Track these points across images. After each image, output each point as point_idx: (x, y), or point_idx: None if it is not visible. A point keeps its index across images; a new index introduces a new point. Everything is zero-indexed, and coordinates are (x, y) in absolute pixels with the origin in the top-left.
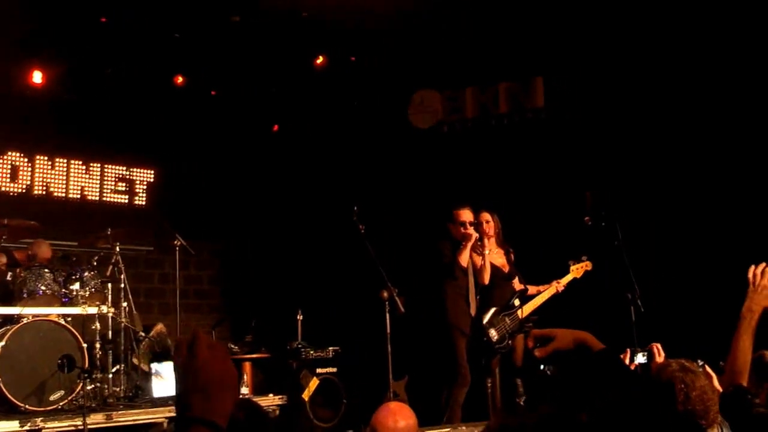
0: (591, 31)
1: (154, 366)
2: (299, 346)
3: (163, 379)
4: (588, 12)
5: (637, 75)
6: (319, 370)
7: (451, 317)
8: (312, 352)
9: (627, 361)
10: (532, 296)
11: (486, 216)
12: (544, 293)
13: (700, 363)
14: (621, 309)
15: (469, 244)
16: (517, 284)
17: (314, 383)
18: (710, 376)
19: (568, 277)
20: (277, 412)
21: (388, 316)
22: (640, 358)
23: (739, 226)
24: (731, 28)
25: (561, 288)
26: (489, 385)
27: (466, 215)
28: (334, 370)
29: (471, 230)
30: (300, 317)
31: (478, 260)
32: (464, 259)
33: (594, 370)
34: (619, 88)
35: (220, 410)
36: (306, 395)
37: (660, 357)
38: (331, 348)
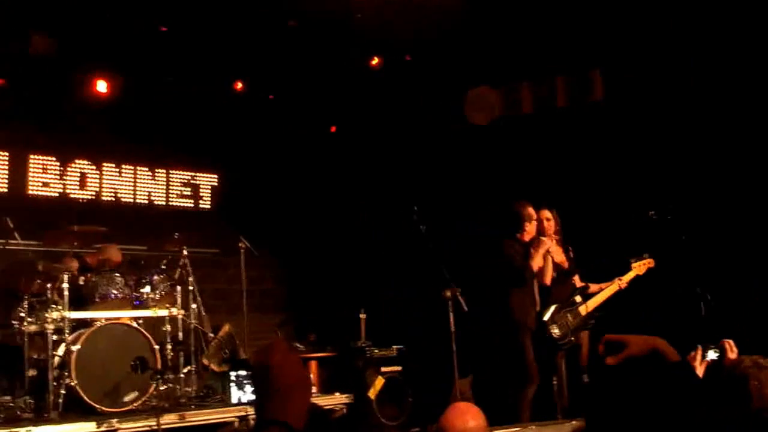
0: (651, 21)
1: (232, 373)
2: (363, 345)
3: (240, 385)
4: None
5: (700, 64)
6: (384, 369)
7: (517, 315)
8: (377, 350)
9: (698, 358)
10: (594, 293)
11: (546, 213)
12: (606, 290)
13: None
14: (691, 304)
15: (541, 251)
16: (577, 281)
17: (380, 382)
18: None
19: (630, 275)
20: (345, 410)
21: (451, 314)
22: (712, 355)
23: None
24: None
25: (623, 285)
26: (555, 383)
27: (529, 213)
28: (399, 368)
29: (545, 238)
30: (363, 316)
31: (541, 260)
32: (536, 264)
33: (666, 380)
34: (681, 78)
35: (294, 412)
36: (372, 394)
37: (732, 353)
38: (395, 347)
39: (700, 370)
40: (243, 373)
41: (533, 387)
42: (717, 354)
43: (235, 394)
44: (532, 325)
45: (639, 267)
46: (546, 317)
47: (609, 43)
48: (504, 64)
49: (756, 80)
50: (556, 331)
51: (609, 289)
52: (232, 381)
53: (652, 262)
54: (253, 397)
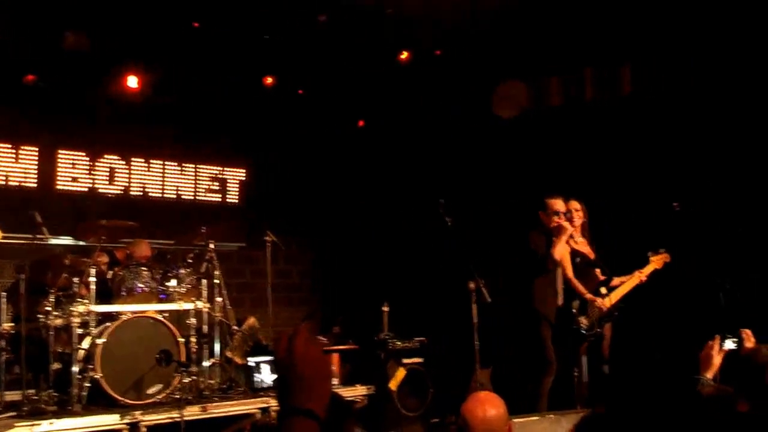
0: (681, 15)
1: (252, 359)
2: (386, 337)
3: (260, 373)
4: None
5: (728, 60)
6: (405, 361)
7: (537, 305)
8: (398, 342)
9: (716, 347)
10: (616, 286)
11: (575, 204)
12: (628, 283)
13: None
14: (710, 295)
15: (564, 237)
16: (599, 274)
17: (401, 373)
18: None
19: (650, 267)
20: (366, 401)
21: (474, 306)
22: (730, 344)
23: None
24: None
25: (644, 279)
26: (576, 373)
27: (559, 205)
28: (421, 360)
29: (565, 222)
30: (386, 309)
31: (563, 248)
32: (558, 252)
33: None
34: (709, 73)
35: (317, 400)
36: (393, 385)
37: (750, 342)
38: (417, 339)
39: (718, 359)
40: (263, 358)
41: (551, 377)
42: (735, 343)
43: (256, 378)
44: (552, 316)
45: (657, 261)
46: (575, 308)
47: (638, 38)
48: (533, 58)
49: None
50: (584, 321)
51: (630, 282)
52: (251, 365)
53: (668, 256)
54: (272, 381)
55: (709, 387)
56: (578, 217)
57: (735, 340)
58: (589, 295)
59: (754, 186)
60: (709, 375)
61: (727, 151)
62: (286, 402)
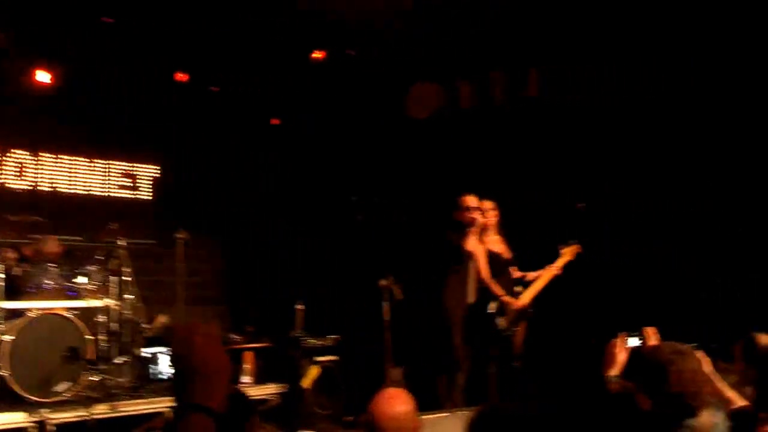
0: (586, 20)
1: (148, 350)
2: (299, 335)
3: (157, 364)
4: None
5: (635, 62)
6: (318, 359)
7: (448, 303)
8: (312, 341)
9: (620, 345)
10: (532, 281)
11: (489, 204)
12: (542, 278)
13: (694, 347)
14: (616, 293)
15: (476, 230)
16: (515, 272)
17: (314, 371)
18: (702, 360)
19: (562, 260)
20: (278, 400)
21: (386, 304)
22: (634, 341)
23: (728, 212)
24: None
25: (559, 271)
26: (490, 371)
27: (471, 201)
28: (334, 358)
29: (477, 215)
30: (300, 307)
31: (480, 249)
32: (470, 245)
33: None
34: (615, 75)
35: (215, 396)
36: (306, 383)
37: (653, 340)
38: (330, 337)
39: (622, 357)
40: (159, 349)
41: (463, 375)
42: (639, 341)
43: (152, 370)
44: (463, 314)
45: (568, 252)
46: (493, 309)
47: (545, 42)
48: (444, 61)
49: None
50: (502, 322)
51: (545, 276)
52: (146, 356)
53: (579, 247)
54: (169, 374)
55: (614, 384)
56: (492, 216)
57: (639, 337)
58: (505, 297)
59: (651, 181)
60: (614, 372)
61: (628, 150)
62: (183, 398)
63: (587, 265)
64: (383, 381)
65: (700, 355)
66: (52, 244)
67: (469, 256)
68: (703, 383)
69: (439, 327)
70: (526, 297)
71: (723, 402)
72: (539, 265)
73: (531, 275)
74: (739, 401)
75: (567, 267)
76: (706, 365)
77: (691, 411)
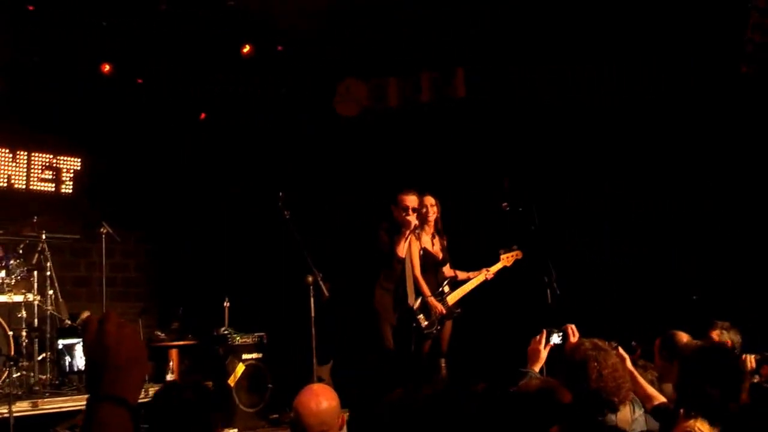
0: (510, 22)
1: (62, 342)
2: (225, 332)
3: (72, 357)
4: (507, 3)
5: (556, 64)
6: (245, 356)
7: (377, 304)
8: (238, 338)
9: (543, 342)
10: (462, 282)
11: (430, 200)
12: (473, 280)
13: (614, 344)
14: (538, 291)
15: (408, 233)
16: (447, 270)
17: (240, 369)
18: (622, 356)
19: (498, 266)
20: None
21: (312, 301)
22: (556, 339)
23: (653, 208)
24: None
25: (490, 276)
26: (417, 368)
27: (411, 201)
28: (260, 355)
29: (412, 218)
30: (227, 304)
31: (415, 247)
32: (402, 249)
33: None
34: (538, 78)
35: (131, 387)
36: (232, 381)
37: (574, 337)
38: (257, 334)
39: (543, 353)
40: (73, 341)
41: (391, 373)
42: (560, 338)
43: (67, 361)
44: (393, 313)
45: (507, 258)
46: (415, 306)
47: (472, 43)
48: (373, 58)
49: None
50: (423, 320)
51: (475, 280)
52: (60, 348)
53: (521, 254)
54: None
55: (536, 379)
56: (433, 212)
57: (560, 334)
58: (430, 298)
59: (579, 183)
60: (536, 368)
61: (555, 150)
62: (96, 388)
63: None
64: (309, 378)
65: (620, 352)
66: None
67: (401, 261)
68: (624, 380)
69: (368, 325)
70: (452, 299)
71: (643, 398)
72: (476, 266)
73: (462, 275)
74: (659, 398)
75: (501, 273)
76: (627, 362)
77: (611, 406)
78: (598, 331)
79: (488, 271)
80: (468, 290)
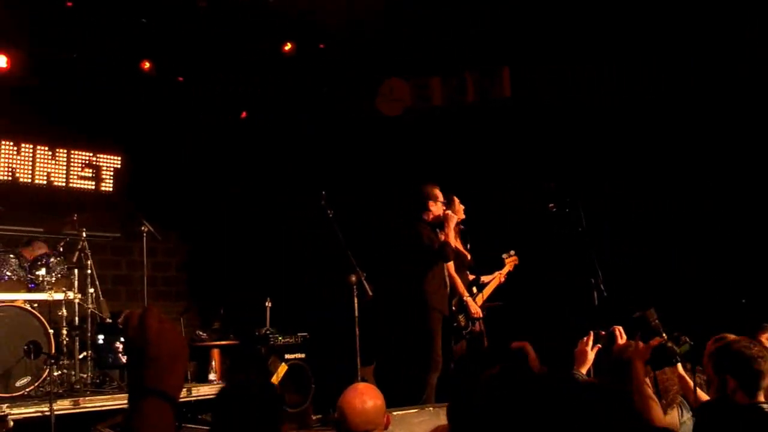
0: (559, 22)
1: (101, 337)
2: (267, 332)
3: (112, 352)
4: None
5: (604, 64)
6: (287, 356)
7: (431, 299)
8: (280, 338)
9: (590, 343)
10: (486, 284)
11: (457, 200)
12: (492, 283)
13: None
14: (585, 293)
15: (452, 225)
16: (469, 273)
17: (282, 369)
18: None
19: (505, 270)
20: None
21: (356, 300)
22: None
23: (696, 212)
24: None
25: (502, 279)
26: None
27: (442, 196)
28: (303, 355)
29: (449, 211)
30: (268, 304)
31: (452, 234)
32: (452, 241)
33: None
34: (586, 78)
35: (172, 381)
36: (275, 381)
37: (621, 340)
38: (299, 334)
39: (591, 355)
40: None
41: (437, 373)
42: (607, 339)
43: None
44: (445, 310)
45: (509, 263)
46: (454, 307)
47: (519, 42)
48: (416, 57)
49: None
50: (462, 319)
51: (493, 282)
52: (100, 344)
53: (516, 259)
54: (123, 359)
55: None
56: (459, 211)
57: (608, 336)
58: (468, 298)
59: (629, 186)
60: (583, 370)
61: (603, 152)
62: (138, 383)
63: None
64: (353, 378)
65: None
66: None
67: (453, 253)
68: (672, 382)
69: (418, 324)
70: (479, 300)
71: (692, 401)
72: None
73: (483, 278)
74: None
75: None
76: (677, 366)
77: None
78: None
79: (501, 274)
80: (488, 293)
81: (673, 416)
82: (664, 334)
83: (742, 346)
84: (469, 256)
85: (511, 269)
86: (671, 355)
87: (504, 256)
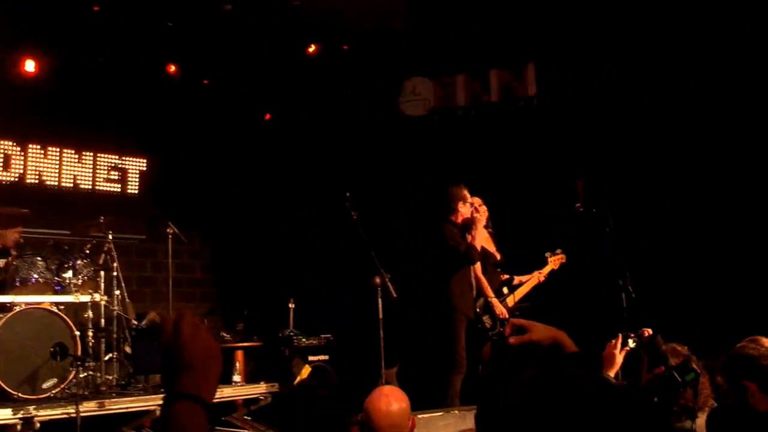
0: (584, 17)
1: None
2: (291, 333)
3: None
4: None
5: (631, 62)
6: (311, 358)
7: (456, 301)
8: (304, 339)
9: (619, 346)
10: (518, 286)
11: (478, 200)
12: (528, 283)
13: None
14: (612, 294)
15: (480, 226)
16: (501, 274)
17: (306, 370)
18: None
19: (548, 268)
20: (269, 399)
21: (380, 302)
22: (631, 343)
23: (727, 214)
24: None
25: (542, 279)
26: (481, 370)
27: (469, 197)
28: (326, 357)
29: (476, 213)
30: (292, 305)
31: (479, 236)
32: (479, 243)
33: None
34: (612, 75)
35: (206, 385)
36: (298, 382)
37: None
38: (323, 335)
39: (619, 358)
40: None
41: (461, 375)
42: (635, 342)
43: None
44: (470, 313)
45: (554, 261)
46: (479, 308)
47: (543, 39)
48: (440, 57)
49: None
50: (487, 320)
51: (530, 282)
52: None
53: (564, 257)
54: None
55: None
56: (483, 211)
57: (636, 339)
58: (493, 299)
59: (657, 186)
60: (612, 373)
61: (631, 151)
62: (172, 387)
63: (586, 265)
64: (377, 380)
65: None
66: (7, 236)
67: (480, 255)
68: (703, 386)
69: (443, 326)
70: (511, 301)
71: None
72: (528, 269)
73: (518, 279)
74: None
75: (551, 276)
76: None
77: (690, 413)
78: (673, 337)
79: (540, 273)
80: (524, 293)
81: (704, 420)
82: (670, 361)
83: (749, 348)
84: (498, 256)
85: (555, 268)
86: (676, 385)
87: (548, 254)
